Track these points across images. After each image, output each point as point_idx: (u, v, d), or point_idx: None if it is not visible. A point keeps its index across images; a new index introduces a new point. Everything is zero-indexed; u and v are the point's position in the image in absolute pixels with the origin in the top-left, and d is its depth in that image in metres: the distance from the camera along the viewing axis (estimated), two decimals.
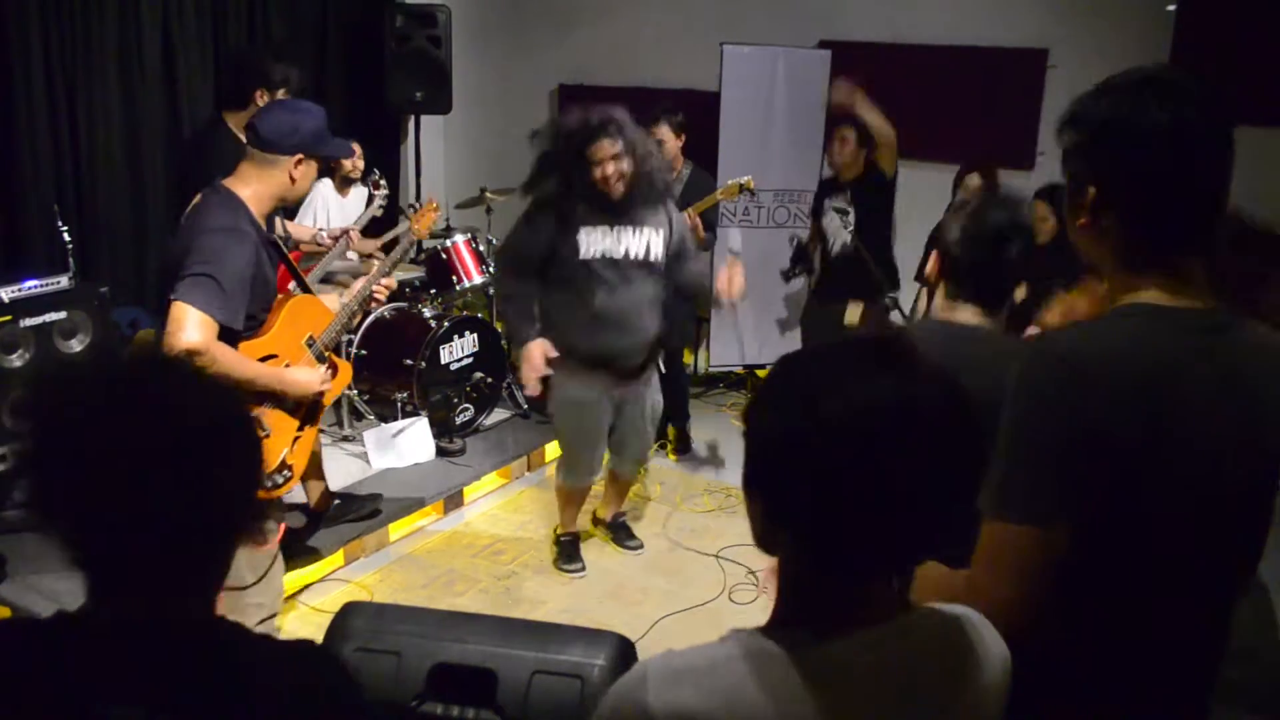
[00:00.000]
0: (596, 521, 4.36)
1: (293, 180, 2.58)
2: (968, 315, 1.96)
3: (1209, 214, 1.31)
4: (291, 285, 3.00)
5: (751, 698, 1.00)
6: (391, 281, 3.15)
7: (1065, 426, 1.23)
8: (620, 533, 4.31)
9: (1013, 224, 1.93)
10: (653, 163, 3.53)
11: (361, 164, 5.43)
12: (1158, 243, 1.31)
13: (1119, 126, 1.29)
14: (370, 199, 4.83)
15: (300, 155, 2.56)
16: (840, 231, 4.89)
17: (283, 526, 2.77)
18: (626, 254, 3.53)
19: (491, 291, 5.29)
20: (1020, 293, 4.51)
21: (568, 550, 4.11)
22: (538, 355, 3.49)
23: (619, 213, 3.51)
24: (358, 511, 4.08)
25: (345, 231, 4.62)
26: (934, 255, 2.04)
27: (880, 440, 0.97)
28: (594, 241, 3.50)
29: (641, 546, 4.26)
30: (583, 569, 4.06)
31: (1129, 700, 1.34)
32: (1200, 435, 1.27)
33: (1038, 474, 1.24)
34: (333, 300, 3.07)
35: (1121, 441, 1.23)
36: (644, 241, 3.55)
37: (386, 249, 5.01)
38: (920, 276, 2.10)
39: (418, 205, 3.96)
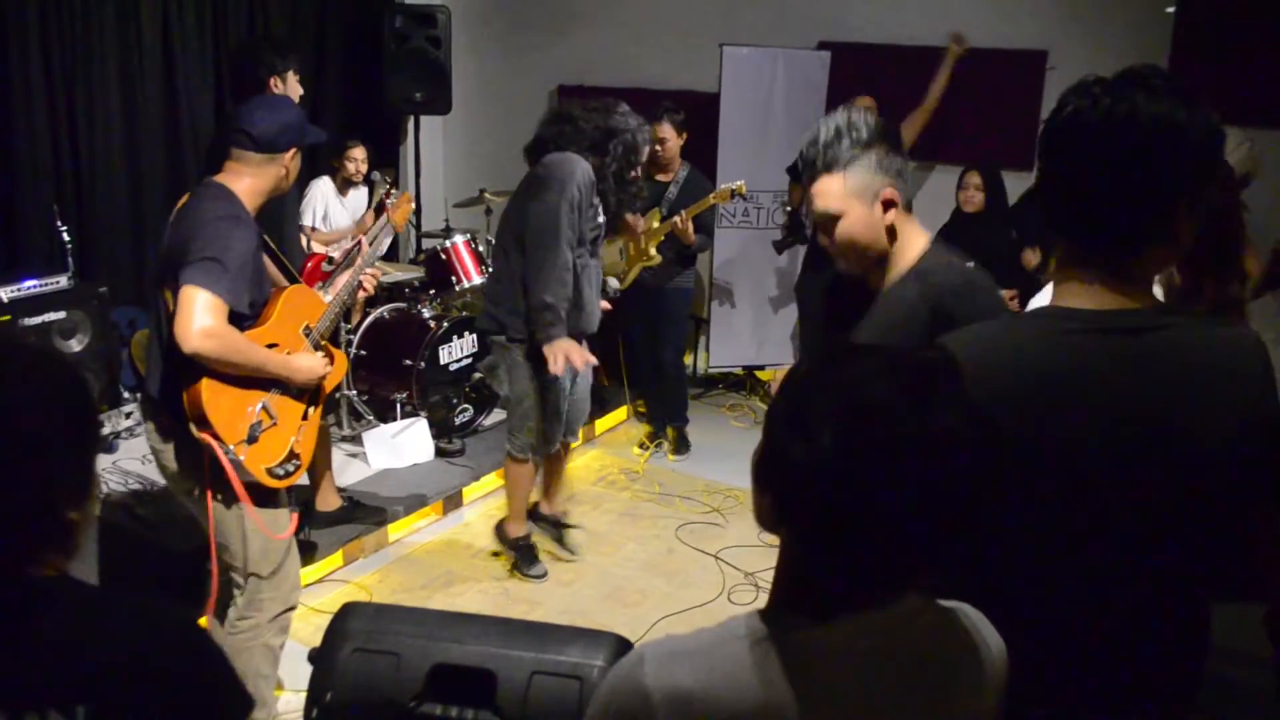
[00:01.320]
0: (538, 516, 4.24)
1: (287, 173, 2.65)
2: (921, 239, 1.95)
3: (1144, 214, 1.25)
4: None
5: (746, 679, 1.00)
6: (377, 272, 3.17)
7: None
8: (563, 533, 4.22)
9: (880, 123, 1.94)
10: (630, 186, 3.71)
11: (365, 166, 5.44)
12: (1082, 243, 1.30)
13: (1052, 120, 1.30)
14: (381, 208, 4.74)
15: (294, 149, 2.62)
16: None
17: (295, 516, 2.77)
18: (600, 227, 3.68)
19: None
20: (1033, 259, 4.59)
21: (529, 554, 4.02)
22: (575, 351, 3.44)
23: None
24: (363, 519, 4.09)
25: (357, 244, 4.58)
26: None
27: (900, 474, 0.96)
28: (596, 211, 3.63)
29: (575, 554, 4.15)
30: (545, 574, 3.99)
31: (1062, 703, 1.32)
32: (1092, 438, 1.24)
33: None
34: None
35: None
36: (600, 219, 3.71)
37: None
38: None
39: (394, 196, 3.93)
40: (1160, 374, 1.26)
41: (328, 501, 4.00)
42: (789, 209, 5.52)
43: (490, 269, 4.54)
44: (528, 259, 3.48)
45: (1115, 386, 1.25)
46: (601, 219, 3.65)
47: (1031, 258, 4.64)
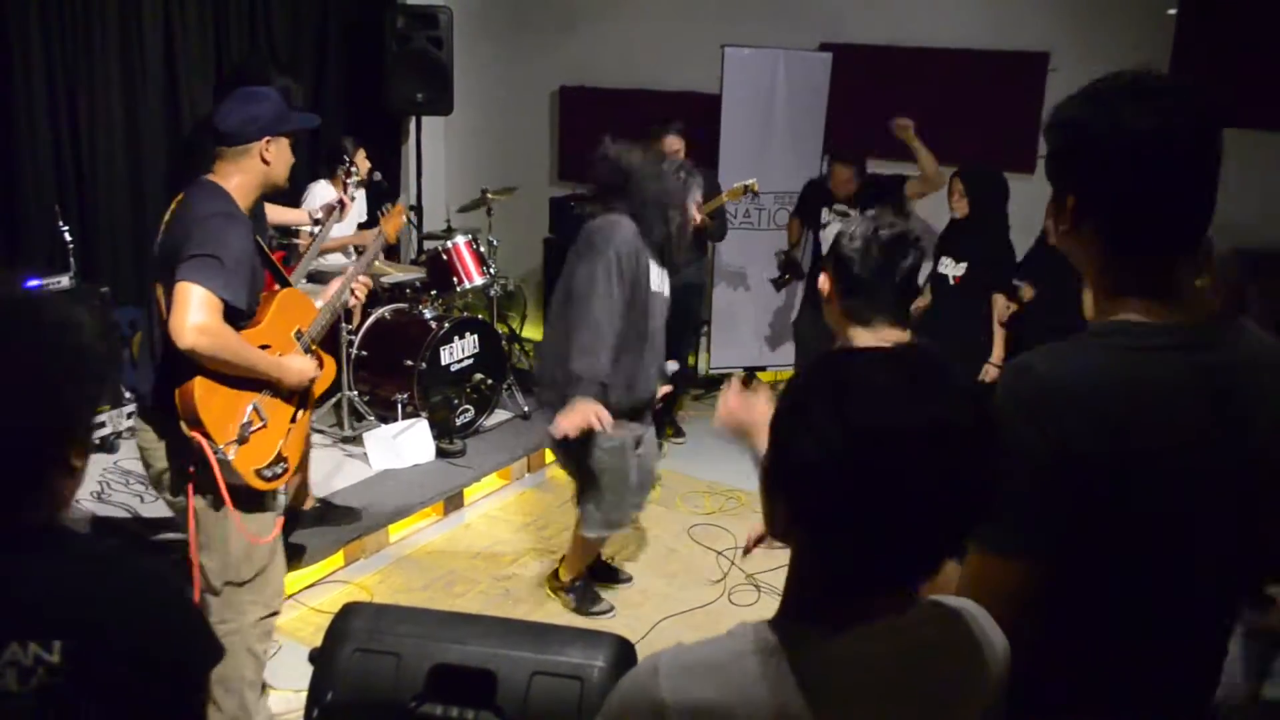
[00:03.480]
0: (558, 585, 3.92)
1: (267, 162, 2.60)
2: (889, 333, 1.95)
3: (1195, 223, 1.28)
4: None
5: (762, 693, 1.00)
6: (368, 280, 3.16)
7: (1037, 454, 1.20)
8: (610, 575, 4.05)
9: (904, 236, 1.96)
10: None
11: (367, 164, 5.44)
12: (1138, 255, 1.28)
13: (1098, 135, 1.25)
14: (353, 196, 4.60)
15: (267, 138, 2.58)
16: None
17: (280, 520, 2.77)
18: (663, 289, 3.50)
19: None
20: (1028, 293, 4.58)
21: (589, 594, 3.85)
22: (591, 413, 3.19)
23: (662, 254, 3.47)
24: (334, 521, 3.99)
25: (330, 212, 4.42)
26: (825, 274, 2.03)
27: (910, 462, 0.96)
28: (655, 275, 3.43)
29: (629, 579, 4.04)
30: (612, 608, 3.83)
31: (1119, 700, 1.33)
32: (1180, 456, 1.23)
33: (1013, 505, 1.18)
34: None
35: (1093, 465, 1.20)
36: (666, 279, 3.53)
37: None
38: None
39: (387, 209, 3.94)
40: (1238, 385, 1.26)
41: (300, 499, 3.94)
42: (785, 250, 5.51)
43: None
44: (570, 320, 3.28)
45: (1199, 400, 1.25)
46: (656, 284, 3.41)
47: (1026, 291, 4.60)
